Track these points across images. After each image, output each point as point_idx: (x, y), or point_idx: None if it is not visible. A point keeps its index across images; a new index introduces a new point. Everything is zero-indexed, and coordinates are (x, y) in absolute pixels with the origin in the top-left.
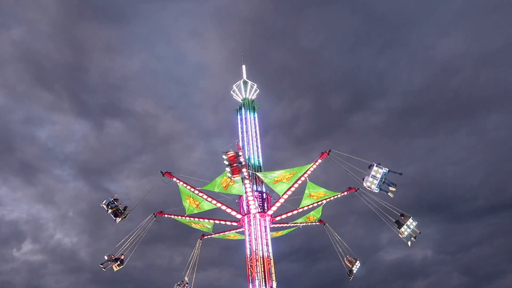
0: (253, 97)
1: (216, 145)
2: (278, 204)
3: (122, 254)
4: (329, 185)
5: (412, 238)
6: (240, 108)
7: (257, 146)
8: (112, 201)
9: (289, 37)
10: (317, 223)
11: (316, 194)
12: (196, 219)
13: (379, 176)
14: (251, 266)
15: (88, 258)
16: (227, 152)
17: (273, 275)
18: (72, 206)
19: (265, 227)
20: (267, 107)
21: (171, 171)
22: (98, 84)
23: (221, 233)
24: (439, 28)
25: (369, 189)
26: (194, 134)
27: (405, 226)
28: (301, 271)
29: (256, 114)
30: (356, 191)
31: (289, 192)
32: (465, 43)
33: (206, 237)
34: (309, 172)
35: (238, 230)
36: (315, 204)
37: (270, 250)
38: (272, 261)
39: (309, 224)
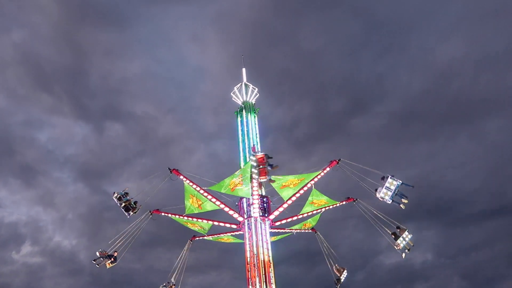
0: (253, 100)
1: (216, 148)
2: (281, 209)
3: (115, 251)
4: (327, 190)
5: (406, 250)
6: (241, 111)
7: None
8: (124, 194)
9: (289, 41)
10: (309, 231)
11: (318, 202)
12: (195, 219)
13: (393, 188)
14: (250, 269)
15: (87, 260)
16: (256, 153)
17: (273, 279)
18: (71, 208)
19: (265, 230)
20: (267, 110)
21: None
22: (98, 87)
23: (215, 235)
24: (439, 32)
25: (381, 200)
26: (194, 137)
27: (401, 238)
28: (301, 274)
29: (256, 117)
30: (354, 201)
31: (293, 198)
32: (465, 47)
33: (197, 238)
34: (316, 179)
35: (234, 234)
36: (314, 212)
37: (270, 254)
38: (271, 265)
39: (302, 231)
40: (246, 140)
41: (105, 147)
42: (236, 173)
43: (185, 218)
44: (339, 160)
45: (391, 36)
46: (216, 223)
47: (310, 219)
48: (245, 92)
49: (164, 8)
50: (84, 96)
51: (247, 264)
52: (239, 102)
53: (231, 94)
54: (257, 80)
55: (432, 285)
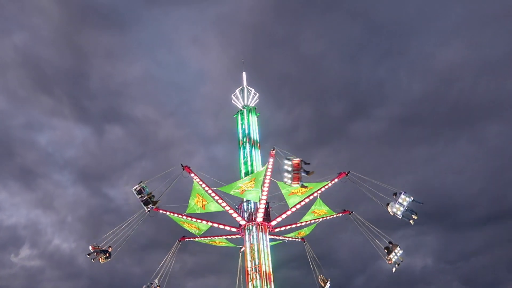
0: (254, 104)
1: (216, 152)
2: (284, 215)
3: (110, 247)
4: (324, 198)
5: (396, 265)
6: (241, 114)
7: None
8: (144, 187)
9: (290, 45)
10: (299, 240)
11: (318, 211)
12: (194, 220)
13: (405, 204)
14: (250, 273)
15: (86, 264)
16: (292, 158)
17: (273, 283)
18: (71, 211)
19: (266, 235)
20: (268, 114)
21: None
22: (98, 90)
23: (207, 238)
24: (439, 37)
25: (392, 214)
26: (194, 140)
27: (393, 253)
28: (301, 277)
29: (256, 120)
30: (350, 214)
31: (298, 206)
32: (465, 51)
33: (186, 239)
34: (323, 189)
35: (229, 237)
36: (313, 221)
37: (270, 259)
38: (271, 269)
39: (294, 239)
40: (246, 144)
41: (105, 150)
42: (248, 176)
43: (184, 217)
44: (348, 172)
45: (391, 40)
46: (216, 225)
47: (305, 228)
48: (245, 96)
49: (164, 11)
50: (85, 99)
51: (247, 267)
52: (239, 106)
53: (232, 96)
54: (257, 83)
55: None
